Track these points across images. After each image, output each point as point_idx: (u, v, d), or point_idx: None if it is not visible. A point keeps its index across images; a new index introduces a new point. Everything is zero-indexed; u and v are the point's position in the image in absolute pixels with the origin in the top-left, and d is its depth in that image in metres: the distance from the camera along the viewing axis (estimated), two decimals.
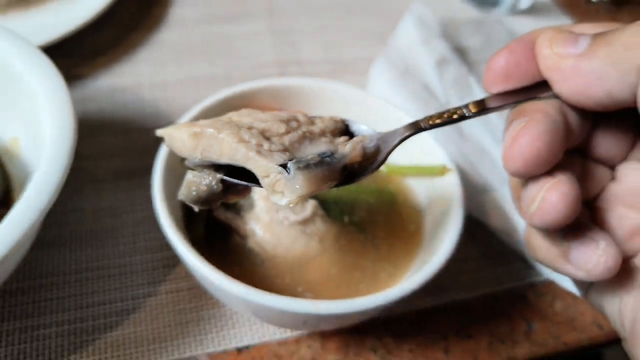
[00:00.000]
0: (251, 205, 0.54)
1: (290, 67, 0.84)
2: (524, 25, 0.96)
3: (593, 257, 0.32)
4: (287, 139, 0.38)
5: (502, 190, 0.65)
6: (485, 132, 0.73)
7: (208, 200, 0.39)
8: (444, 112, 0.37)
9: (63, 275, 0.56)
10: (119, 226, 0.61)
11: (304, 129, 0.39)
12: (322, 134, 0.39)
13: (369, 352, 0.54)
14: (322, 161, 0.36)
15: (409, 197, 0.58)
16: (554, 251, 0.34)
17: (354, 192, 0.57)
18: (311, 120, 0.41)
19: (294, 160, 0.36)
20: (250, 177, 0.37)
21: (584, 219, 0.35)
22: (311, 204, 0.54)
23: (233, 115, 0.40)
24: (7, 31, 0.56)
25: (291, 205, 0.35)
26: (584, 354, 0.60)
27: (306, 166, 0.35)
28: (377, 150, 0.39)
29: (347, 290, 0.50)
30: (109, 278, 0.57)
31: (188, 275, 0.57)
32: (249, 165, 0.36)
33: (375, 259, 0.53)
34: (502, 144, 0.68)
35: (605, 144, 0.35)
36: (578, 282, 0.40)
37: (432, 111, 0.73)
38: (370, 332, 0.56)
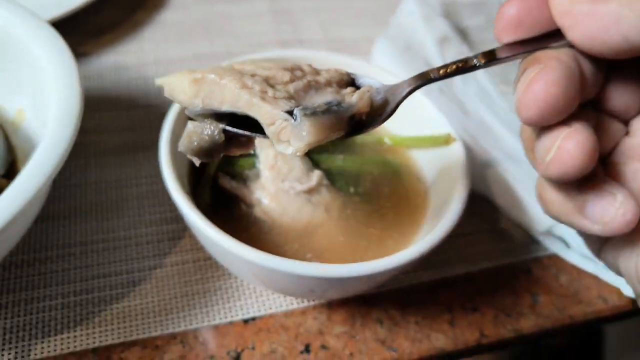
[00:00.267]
0: (257, 175, 0.54)
1: (291, 47, 0.84)
2: None
3: (610, 209, 0.31)
4: (291, 87, 0.36)
5: (506, 164, 0.65)
6: (487, 108, 0.72)
7: (210, 151, 0.37)
8: (453, 63, 0.36)
9: (68, 247, 0.56)
10: (124, 199, 0.61)
11: (309, 78, 0.37)
12: (328, 84, 0.38)
13: (375, 324, 0.54)
14: (330, 109, 0.35)
15: (414, 168, 0.58)
16: (568, 205, 0.33)
17: (358, 163, 0.57)
18: (316, 71, 0.39)
19: (300, 107, 0.34)
20: (254, 129, 0.36)
21: (599, 173, 0.33)
22: (316, 174, 0.54)
23: (235, 64, 0.38)
24: (15, 4, 0.56)
25: (297, 154, 0.34)
26: (585, 328, 0.60)
27: (313, 113, 0.34)
28: (385, 102, 0.38)
29: (355, 258, 0.50)
30: (114, 250, 0.56)
31: (194, 248, 0.57)
32: (253, 113, 0.35)
33: (382, 227, 0.53)
34: (504, 121, 0.69)
35: (619, 96, 0.34)
36: (591, 241, 0.38)
37: (433, 87, 0.73)
38: (376, 304, 0.56)
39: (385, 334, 0.54)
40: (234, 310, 0.54)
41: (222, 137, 0.37)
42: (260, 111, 0.34)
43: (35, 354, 0.49)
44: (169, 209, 0.60)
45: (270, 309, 0.54)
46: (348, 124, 0.36)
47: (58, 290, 0.53)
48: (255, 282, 0.52)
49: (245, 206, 0.53)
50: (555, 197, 0.34)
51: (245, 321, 0.53)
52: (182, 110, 0.52)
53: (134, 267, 0.55)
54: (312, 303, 0.55)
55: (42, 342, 0.49)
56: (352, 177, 0.56)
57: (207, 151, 0.37)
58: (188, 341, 0.51)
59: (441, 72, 0.36)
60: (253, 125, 0.36)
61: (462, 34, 0.85)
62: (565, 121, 0.31)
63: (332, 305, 0.55)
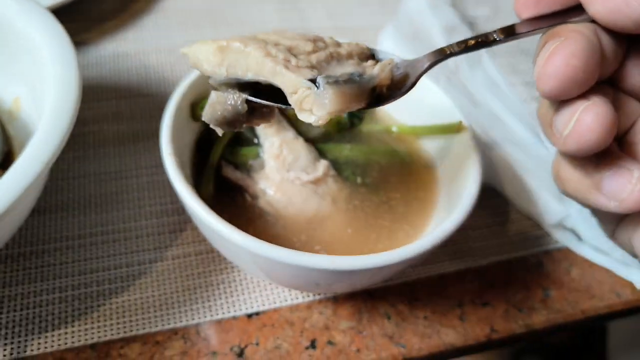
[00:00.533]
0: (261, 165, 0.52)
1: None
2: None
3: (628, 185, 0.31)
4: (314, 58, 0.36)
5: (516, 156, 0.64)
6: (496, 99, 0.71)
7: (232, 121, 0.38)
8: (472, 38, 0.36)
9: (66, 240, 0.54)
10: (124, 190, 0.59)
11: (331, 49, 0.38)
12: (350, 56, 0.38)
13: (382, 319, 0.53)
14: (352, 79, 0.35)
15: (423, 157, 0.56)
16: (585, 182, 0.33)
17: (365, 153, 0.55)
18: (338, 43, 0.39)
19: (323, 75, 0.35)
20: (276, 100, 0.37)
21: (616, 150, 0.33)
22: (323, 164, 0.52)
23: (259, 34, 0.38)
24: None
25: (320, 122, 0.34)
26: (589, 326, 0.58)
27: (336, 82, 0.34)
28: (405, 76, 0.38)
29: (364, 250, 0.48)
30: (113, 243, 0.55)
31: (196, 240, 0.56)
32: (276, 81, 0.35)
33: (391, 219, 0.51)
34: (514, 112, 0.67)
35: (638, 75, 0.34)
36: (606, 221, 0.38)
37: (440, 75, 0.72)
38: (383, 298, 0.54)
39: (393, 329, 0.52)
40: (237, 305, 0.52)
41: (245, 107, 0.37)
42: (283, 79, 0.35)
43: (32, 350, 0.47)
44: (170, 200, 0.59)
45: (275, 303, 0.52)
46: (369, 95, 0.36)
47: (55, 284, 0.51)
48: (259, 275, 0.51)
49: (250, 197, 0.51)
50: (572, 174, 0.34)
51: (249, 316, 0.52)
52: (184, 98, 0.51)
53: (134, 260, 0.54)
54: (317, 297, 0.53)
55: (39, 338, 0.48)
56: (360, 167, 0.54)
57: (230, 121, 0.38)
58: (190, 337, 0.50)
59: (461, 46, 0.36)
60: (275, 97, 0.36)
61: (470, 23, 0.83)
62: (584, 95, 0.31)
63: (338, 300, 0.53)
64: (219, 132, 0.39)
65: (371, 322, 0.52)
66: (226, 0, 0.86)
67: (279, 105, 0.37)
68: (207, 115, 0.38)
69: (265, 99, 0.37)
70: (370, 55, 0.40)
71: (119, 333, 0.49)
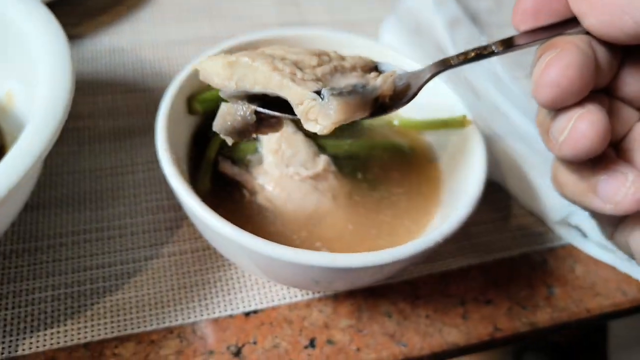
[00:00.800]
0: (259, 160, 0.51)
1: (295, 29, 0.81)
2: None
3: (622, 188, 0.32)
4: (319, 71, 0.38)
5: (520, 151, 0.62)
6: (500, 93, 0.70)
7: (242, 131, 0.39)
8: (472, 50, 0.37)
9: (60, 237, 0.53)
10: (119, 186, 0.58)
11: (335, 63, 0.39)
12: (353, 69, 0.40)
13: (383, 317, 0.52)
14: (355, 90, 0.37)
15: (426, 151, 0.55)
16: (581, 186, 0.34)
17: (366, 148, 0.54)
18: (342, 57, 0.41)
19: (328, 87, 0.36)
20: (283, 111, 0.38)
21: (611, 155, 0.34)
22: (322, 159, 0.51)
23: (265, 49, 0.40)
24: None
25: (325, 132, 0.35)
26: (589, 324, 0.57)
27: (340, 93, 0.36)
28: (407, 86, 0.39)
29: (365, 247, 0.47)
30: (108, 240, 0.54)
31: (192, 237, 0.54)
32: (283, 93, 0.36)
33: (393, 215, 0.50)
34: (518, 106, 0.66)
35: (633, 83, 0.35)
36: (604, 224, 0.39)
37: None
38: (384, 296, 0.53)
39: (395, 328, 0.51)
40: (234, 303, 0.51)
41: (254, 117, 0.39)
42: (290, 91, 0.36)
43: (24, 349, 0.46)
44: (166, 196, 0.57)
45: (273, 301, 0.51)
46: (372, 105, 0.38)
47: (48, 282, 0.50)
48: (257, 273, 0.49)
49: (248, 193, 0.50)
50: (569, 178, 0.35)
51: (247, 314, 0.50)
52: (180, 93, 0.50)
53: (129, 257, 0.53)
54: (317, 295, 0.52)
55: (31, 337, 0.47)
56: (361, 163, 0.53)
57: (239, 131, 0.40)
58: (186, 336, 0.48)
59: (461, 58, 0.38)
60: (282, 108, 0.38)
61: (472, 16, 0.82)
62: (579, 103, 0.32)
63: (338, 298, 0.52)
64: (229, 141, 0.40)
65: (372, 320, 0.51)
66: None
67: (286, 115, 0.38)
68: (217, 126, 0.40)
69: (273, 109, 0.39)
70: (374, 68, 0.42)
71: (112, 332, 0.48)
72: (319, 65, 0.39)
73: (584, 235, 0.59)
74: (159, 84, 0.68)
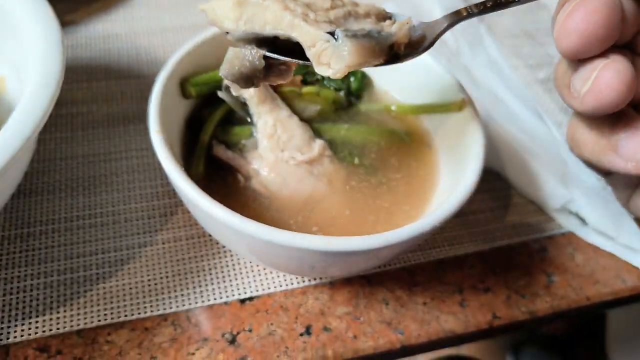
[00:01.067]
0: (254, 145, 0.50)
1: None
2: None
3: None
4: (332, 14, 0.36)
5: (519, 138, 0.62)
6: (499, 80, 0.69)
7: (250, 77, 0.38)
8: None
9: (52, 223, 0.52)
10: (113, 173, 0.57)
11: (348, 7, 0.38)
12: (367, 15, 0.38)
13: (380, 304, 0.51)
14: (370, 34, 0.35)
15: (424, 136, 0.54)
16: (601, 144, 0.33)
17: (363, 132, 0.53)
18: (355, 3, 0.39)
19: (342, 29, 0.35)
20: (293, 57, 0.37)
21: (633, 113, 0.33)
22: (318, 144, 0.50)
23: None
24: None
25: (337, 75, 0.34)
26: (588, 313, 0.57)
27: (354, 35, 0.34)
28: (423, 37, 0.38)
29: (362, 232, 0.46)
30: (102, 226, 0.53)
31: (187, 224, 0.54)
32: (294, 34, 0.35)
33: (390, 200, 0.49)
34: (517, 94, 0.65)
35: None
36: (620, 187, 0.38)
37: (441, 56, 0.70)
38: (381, 283, 0.52)
39: (391, 315, 0.50)
40: (229, 290, 0.50)
41: (263, 62, 0.38)
42: (301, 32, 0.35)
43: (15, 337, 0.45)
44: (160, 183, 0.57)
45: (269, 288, 0.51)
46: (387, 53, 0.36)
47: (41, 268, 0.49)
48: (251, 258, 0.49)
49: (243, 178, 0.49)
50: (588, 136, 0.34)
51: (242, 301, 0.50)
52: (173, 75, 0.49)
53: (123, 244, 0.52)
54: (313, 282, 0.51)
55: (23, 324, 0.46)
56: (357, 148, 0.52)
57: (247, 77, 0.38)
58: (180, 323, 0.48)
59: (479, 7, 0.36)
60: (293, 54, 0.37)
61: (471, 3, 0.82)
62: (603, 54, 0.30)
63: (334, 285, 0.51)
64: (236, 89, 0.40)
65: (368, 308, 0.51)
66: None
67: (297, 60, 0.37)
68: (224, 70, 0.39)
69: (283, 56, 0.38)
70: (388, 17, 0.40)
71: (106, 319, 0.47)
72: (332, 8, 0.37)
73: (584, 222, 0.59)
74: (154, 71, 0.67)
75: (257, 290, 0.50)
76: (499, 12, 0.36)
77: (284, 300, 0.50)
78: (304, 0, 0.37)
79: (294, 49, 0.36)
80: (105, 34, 0.72)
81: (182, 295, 0.49)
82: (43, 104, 0.42)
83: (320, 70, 0.35)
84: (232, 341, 0.47)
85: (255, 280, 0.51)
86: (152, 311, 0.48)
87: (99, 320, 0.47)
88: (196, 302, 0.49)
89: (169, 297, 0.49)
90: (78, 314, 0.47)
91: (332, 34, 0.35)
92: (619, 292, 0.56)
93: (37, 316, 0.47)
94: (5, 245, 0.50)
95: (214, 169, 0.49)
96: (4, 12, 0.51)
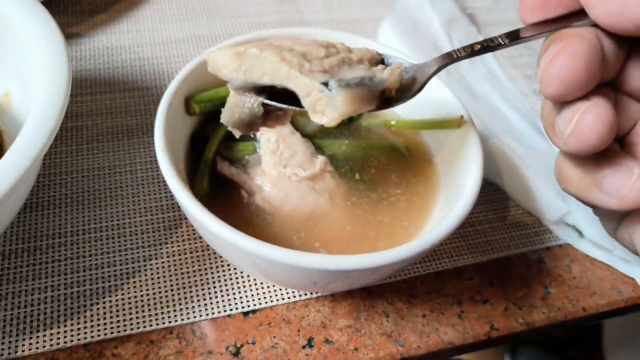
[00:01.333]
0: (257, 161, 0.51)
1: (293, 28, 0.81)
2: None
3: (627, 183, 0.32)
4: (326, 63, 0.38)
5: (517, 150, 0.63)
6: (497, 92, 0.70)
7: (249, 123, 0.40)
8: (478, 43, 0.37)
9: (59, 237, 0.53)
10: (118, 186, 0.58)
11: (342, 55, 0.39)
12: (360, 61, 0.40)
13: (381, 317, 0.52)
14: (362, 82, 0.37)
15: (423, 152, 0.55)
16: (586, 180, 0.34)
17: (364, 148, 0.54)
18: (349, 49, 0.41)
19: (335, 79, 0.36)
20: (290, 104, 0.38)
21: (617, 150, 0.34)
22: (320, 160, 0.51)
23: (273, 41, 0.40)
24: None
25: (332, 124, 0.36)
26: (585, 323, 0.58)
27: (347, 85, 0.36)
28: (413, 80, 0.40)
29: (363, 248, 0.47)
30: (107, 240, 0.54)
31: (191, 237, 0.55)
32: (291, 84, 0.37)
33: (391, 216, 0.50)
34: (515, 106, 0.66)
35: (639, 77, 0.34)
36: (607, 219, 0.39)
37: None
38: (382, 296, 0.53)
39: (392, 327, 0.51)
40: (233, 303, 0.51)
41: (261, 109, 0.40)
42: (297, 82, 0.37)
43: (23, 350, 0.46)
44: (165, 196, 0.58)
45: (272, 301, 0.52)
46: (379, 98, 0.38)
47: (48, 282, 0.50)
48: (255, 274, 0.50)
49: (246, 193, 0.50)
50: (574, 173, 0.35)
51: (245, 314, 0.51)
52: (178, 93, 0.50)
53: (128, 257, 0.53)
54: (315, 295, 0.52)
55: (30, 338, 0.47)
56: (358, 163, 0.53)
57: (247, 123, 0.40)
58: (185, 336, 0.49)
59: (467, 50, 0.38)
60: (289, 101, 0.38)
61: (469, 15, 0.82)
62: (585, 96, 0.32)
63: (335, 298, 0.52)
64: (237, 134, 0.41)
65: (369, 320, 0.52)
66: None
67: (293, 107, 0.39)
68: (225, 117, 0.41)
69: (280, 102, 0.39)
70: (380, 60, 0.42)
71: (112, 332, 0.48)
72: (327, 56, 0.39)
73: (581, 234, 0.60)
74: (158, 83, 0.68)
75: (260, 303, 0.51)
76: (496, 22, 0.38)
77: (286, 313, 0.51)
78: (300, 50, 0.38)
79: (291, 95, 0.38)
80: (109, 46, 0.73)
81: (187, 308, 0.50)
82: (50, 125, 0.42)
83: (315, 118, 0.36)
84: (236, 354, 0.48)
85: (257, 294, 0.52)
86: (157, 324, 0.49)
87: (106, 334, 0.48)
88: (200, 315, 0.50)
89: (174, 310, 0.50)
90: (85, 328, 0.48)
91: (326, 84, 0.36)
92: (615, 303, 0.57)
93: (44, 330, 0.48)
94: (12, 259, 0.51)
95: (218, 184, 0.50)
96: (7, 26, 0.51)
